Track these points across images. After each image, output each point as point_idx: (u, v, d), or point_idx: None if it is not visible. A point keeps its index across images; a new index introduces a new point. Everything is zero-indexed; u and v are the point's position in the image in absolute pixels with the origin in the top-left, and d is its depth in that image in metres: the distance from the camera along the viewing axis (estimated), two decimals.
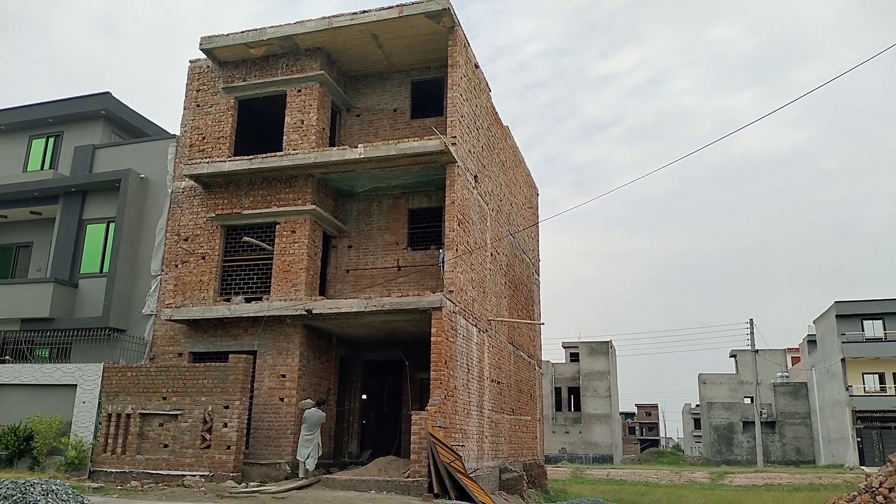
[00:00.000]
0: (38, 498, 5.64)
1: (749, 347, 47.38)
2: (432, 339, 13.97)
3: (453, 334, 14.63)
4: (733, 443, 58.24)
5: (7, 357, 17.41)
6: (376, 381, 19.04)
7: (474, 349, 16.32)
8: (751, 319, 46.42)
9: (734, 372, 65.37)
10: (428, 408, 13.25)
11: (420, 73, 17.98)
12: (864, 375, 45.88)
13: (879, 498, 10.07)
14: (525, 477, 18.58)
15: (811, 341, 54.06)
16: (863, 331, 45.42)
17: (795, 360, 65.02)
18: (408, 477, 13.02)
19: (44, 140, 21.70)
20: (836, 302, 46.47)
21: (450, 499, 12.14)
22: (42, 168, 21.16)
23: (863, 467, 40.33)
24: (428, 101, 17.87)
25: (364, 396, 18.45)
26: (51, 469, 14.60)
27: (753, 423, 49.08)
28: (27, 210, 20.23)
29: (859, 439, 44.48)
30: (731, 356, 66.35)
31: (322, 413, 14.55)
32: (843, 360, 45.35)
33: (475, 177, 16.98)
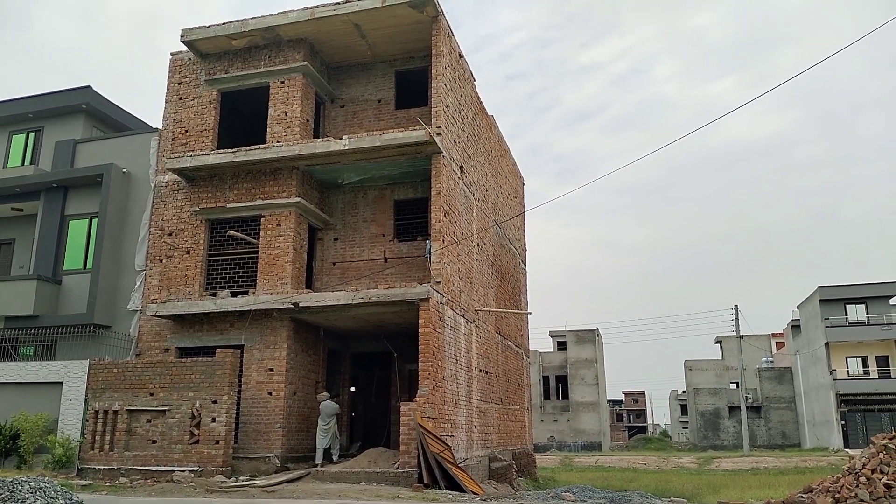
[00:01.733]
0: (27, 495, 5.61)
1: (734, 333, 47.82)
2: (420, 330, 13.98)
3: (441, 325, 14.66)
4: (720, 428, 58.85)
5: None
6: (365, 373, 19.05)
7: (462, 339, 16.35)
8: (736, 305, 46.84)
9: (720, 358, 65.99)
10: (417, 399, 13.29)
11: (404, 64, 17.91)
12: (848, 359, 46.46)
13: (862, 479, 10.21)
14: (514, 465, 18.69)
15: (795, 326, 54.64)
16: (846, 315, 45.96)
17: (780, 346, 65.73)
18: (398, 468, 13.06)
19: (24, 135, 21.44)
20: (819, 287, 46.96)
21: (440, 489, 12.20)
22: (23, 164, 20.91)
23: (847, 450, 40.92)
24: (412, 91, 17.81)
25: (353, 388, 18.45)
26: (38, 467, 14.53)
27: (739, 408, 49.63)
28: (8, 207, 20.01)
29: (843, 422, 45.09)
30: (716, 342, 66.99)
31: (336, 404, 15.62)
32: (826, 344, 45.88)
33: (461, 167, 16.97)
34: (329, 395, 15.80)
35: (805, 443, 52.25)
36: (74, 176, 18.75)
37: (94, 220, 18.30)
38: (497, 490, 15.57)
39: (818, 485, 10.93)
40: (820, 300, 46.52)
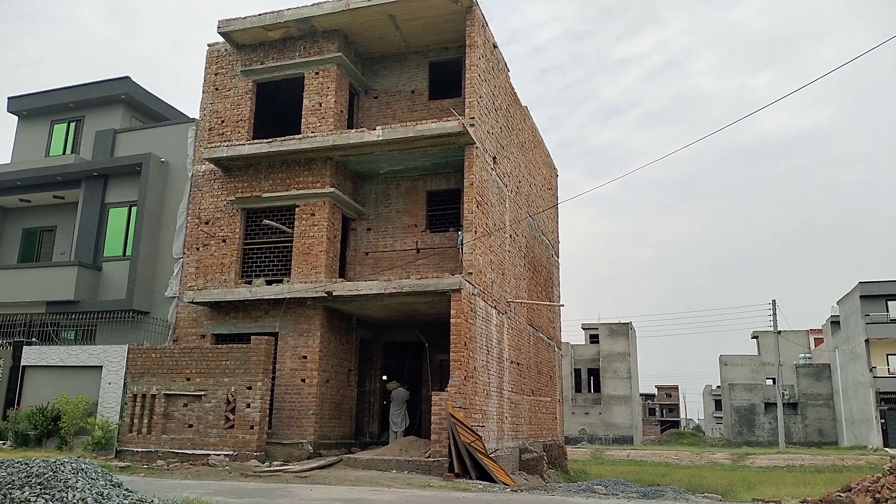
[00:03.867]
0: (69, 476, 5.73)
1: (771, 328, 46.97)
2: (451, 320, 13.99)
3: (472, 316, 14.65)
4: (755, 424, 57.99)
5: (34, 339, 17.72)
6: (396, 363, 19.14)
7: (493, 331, 16.33)
8: (773, 300, 46.02)
9: (756, 353, 64.92)
10: (448, 389, 13.31)
11: (438, 54, 17.87)
12: (889, 356, 45.35)
13: None
14: (545, 457, 18.66)
15: (834, 322, 53.48)
16: (887, 311, 44.82)
17: (818, 342, 64.38)
18: (428, 457, 13.12)
19: (65, 125, 21.92)
20: (860, 282, 45.87)
21: (470, 478, 12.22)
22: (64, 153, 21.38)
23: (887, 449, 40.02)
24: (446, 82, 17.77)
25: (384, 377, 18.57)
26: (78, 448, 14.90)
27: (775, 404, 48.83)
28: (50, 194, 20.49)
29: (883, 420, 44.08)
30: (752, 337, 65.84)
31: (406, 391, 16.92)
32: (866, 340, 44.85)
33: (494, 158, 16.90)
34: (398, 383, 17.16)
35: (842, 441, 51.21)
36: (114, 165, 19.12)
37: (134, 209, 18.66)
38: (528, 481, 15.55)
39: (857, 484, 10.70)
40: (860, 296, 45.44)
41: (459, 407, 13.23)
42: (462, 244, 15.08)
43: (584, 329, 65.97)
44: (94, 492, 5.58)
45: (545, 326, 22.78)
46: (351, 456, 13.96)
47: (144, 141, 19.43)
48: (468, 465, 12.43)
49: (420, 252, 16.86)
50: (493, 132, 16.92)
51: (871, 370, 44.45)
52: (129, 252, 18.41)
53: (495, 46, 17.57)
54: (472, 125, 15.12)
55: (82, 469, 5.98)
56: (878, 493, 10.00)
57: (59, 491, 5.37)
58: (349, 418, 16.63)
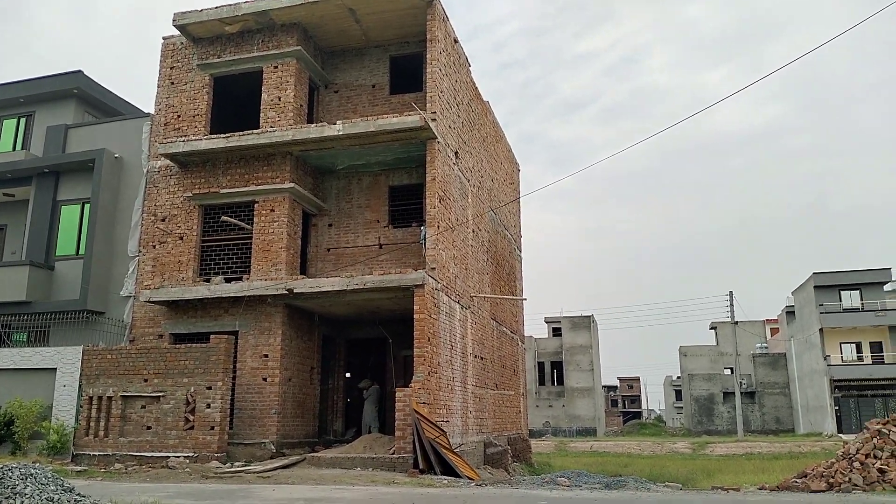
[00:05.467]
0: (17, 482, 5.56)
1: (729, 319, 47.97)
2: (415, 316, 13.95)
3: (436, 311, 14.62)
4: (714, 413, 59.18)
5: None
6: (360, 360, 19.03)
7: (457, 326, 16.33)
8: (730, 292, 47.12)
9: (714, 344, 66.21)
10: (412, 385, 13.27)
11: (399, 49, 17.75)
12: (842, 345, 46.69)
13: (856, 464, 10.25)
14: (510, 451, 18.74)
15: (790, 312, 54.83)
16: (840, 301, 46.12)
17: (774, 332, 65.99)
18: (393, 454, 13.07)
19: (15, 120, 21.21)
20: (814, 273, 47.08)
21: (435, 474, 12.21)
22: (14, 149, 20.70)
23: (840, 435, 41.21)
24: (407, 76, 17.67)
25: (348, 374, 18.44)
26: (33, 453, 14.49)
27: (733, 393, 49.89)
28: (0, 192, 19.84)
29: (837, 408, 45.37)
30: (711, 328, 67.10)
31: (378, 388, 17.23)
32: (821, 330, 46.07)
33: (456, 153, 16.87)
34: (371, 381, 17.42)
35: (799, 428, 52.58)
36: (66, 161, 18.58)
37: (87, 206, 18.16)
38: (493, 475, 15.61)
39: (812, 470, 10.98)
40: (814, 286, 46.65)
41: (423, 403, 13.20)
42: (425, 239, 15.03)
43: (546, 322, 66.45)
44: (43, 497, 5.41)
45: (508, 320, 22.88)
46: (314, 455, 13.83)
47: (97, 136, 18.92)
48: (433, 461, 12.41)
49: (383, 248, 16.75)
50: (454, 127, 16.88)
51: (825, 358, 45.69)
52: (82, 251, 17.92)
53: (456, 41, 17.53)
54: (434, 120, 15.06)
55: (31, 474, 5.79)
56: (832, 478, 10.26)
57: (6, 497, 5.19)
58: (312, 417, 16.47)
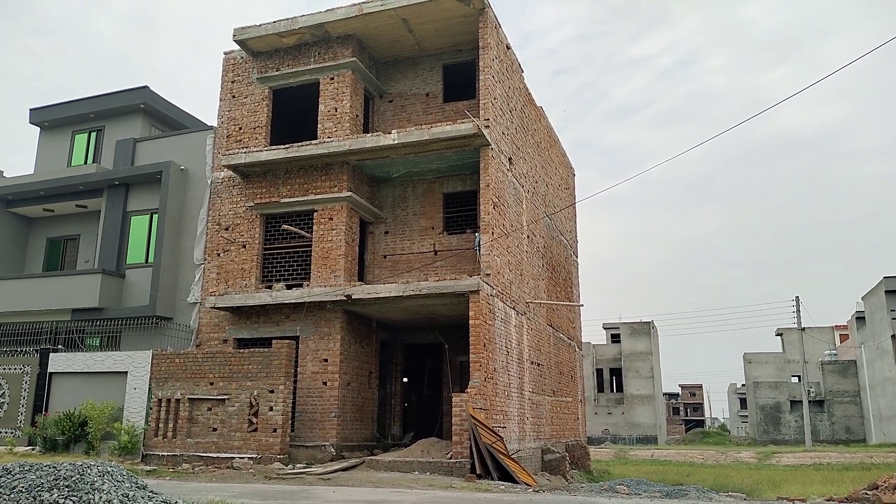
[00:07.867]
0: (96, 478, 5.83)
1: (796, 325, 46.43)
2: (470, 322, 14.02)
3: (491, 317, 14.67)
4: (780, 422, 57.28)
5: (60, 346, 18.01)
6: (417, 364, 19.20)
7: (513, 332, 16.33)
8: (797, 297, 45.55)
9: (780, 350, 64.16)
10: (468, 390, 13.33)
11: (451, 57, 17.92)
12: None
13: None
14: (567, 458, 18.60)
15: (860, 318, 52.67)
16: None
17: (844, 338, 63.48)
18: (450, 458, 13.15)
19: (86, 135, 22.26)
20: (884, 277, 45.14)
21: (492, 479, 12.23)
22: (85, 162, 21.72)
23: None
24: (460, 84, 17.81)
25: (405, 379, 18.64)
26: (105, 453, 15.12)
27: (801, 402, 48.21)
28: (73, 204, 20.83)
29: None
30: (777, 335, 65.08)
31: None
32: (893, 336, 44.09)
33: (510, 159, 16.91)
34: None
35: (871, 438, 50.40)
36: (135, 173, 19.39)
37: (155, 216, 18.91)
38: (550, 482, 15.52)
39: (884, 481, 10.58)
40: (886, 291, 44.70)
41: (480, 408, 13.25)
42: (479, 245, 15.10)
43: (605, 329, 65.60)
44: (119, 493, 5.69)
45: (565, 326, 22.72)
46: (373, 458, 14.03)
47: (164, 149, 19.69)
48: (490, 466, 12.44)
49: (437, 254, 16.91)
50: (508, 133, 16.92)
51: None
52: (151, 259, 18.67)
53: (508, 48, 17.59)
54: (487, 127, 15.15)
55: (108, 472, 6.09)
56: None
57: (85, 493, 5.47)
58: (371, 420, 16.71)
